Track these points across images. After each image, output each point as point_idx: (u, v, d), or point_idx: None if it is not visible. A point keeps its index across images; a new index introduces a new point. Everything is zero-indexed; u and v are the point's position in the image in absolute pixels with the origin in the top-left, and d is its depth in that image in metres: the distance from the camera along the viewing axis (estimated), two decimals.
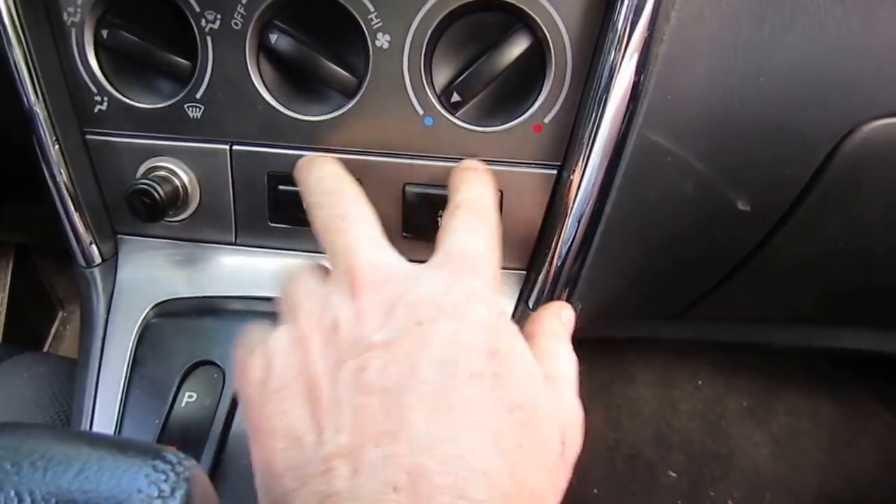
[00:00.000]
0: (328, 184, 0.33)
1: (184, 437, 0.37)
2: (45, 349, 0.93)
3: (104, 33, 0.38)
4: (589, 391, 0.91)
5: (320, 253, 0.42)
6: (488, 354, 0.27)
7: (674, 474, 0.88)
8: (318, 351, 0.27)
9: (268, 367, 0.28)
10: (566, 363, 0.32)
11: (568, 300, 0.40)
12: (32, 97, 0.38)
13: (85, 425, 0.39)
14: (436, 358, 0.26)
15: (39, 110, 0.38)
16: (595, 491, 0.85)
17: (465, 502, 0.23)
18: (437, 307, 0.27)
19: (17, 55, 0.37)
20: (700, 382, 0.93)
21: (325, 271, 0.32)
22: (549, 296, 0.39)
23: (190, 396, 0.38)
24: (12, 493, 0.17)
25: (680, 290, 0.53)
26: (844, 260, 0.47)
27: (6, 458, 0.17)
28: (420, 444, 0.24)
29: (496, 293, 0.30)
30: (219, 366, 0.39)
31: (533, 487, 0.26)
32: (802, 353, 0.91)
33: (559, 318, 0.35)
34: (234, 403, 0.38)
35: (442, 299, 0.28)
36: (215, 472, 0.36)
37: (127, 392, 0.39)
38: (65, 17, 0.38)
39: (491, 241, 0.31)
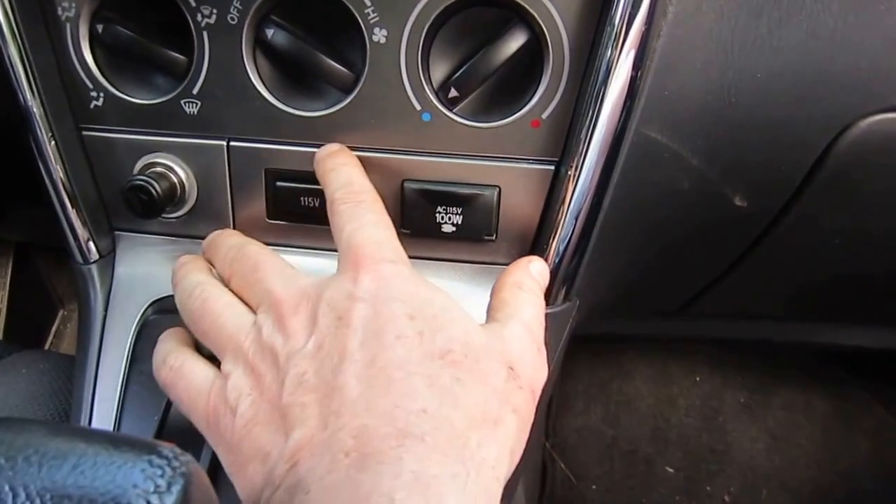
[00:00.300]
0: (231, 252, 0.36)
1: (182, 433, 0.37)
2: (46, 347, 0.93)
3: (99, 28, 0.38)
4: (587, 388, 0.91)
5: (318, 249, 0.42)
6: (408, 317, 0.29)
7: (671, 470, 0.88)
8: (267, 380, 0.30)
9: (233, 413, 0.30)
10: (517, 306, 0.34)
11: (566, 297, 0.40)
12: (28, 93, 0.38)
13: (84, 421, 0.39)
14: (360, 338, 0.29)
15: (35, 107, 0.38)
16: (593, 487, 0.86)
17: (410, 440, 0.25)
18: (350, 299, 0.30)
19: (12, 51, 0.36)
20: (697, 379, 0.94)
21: (211, 269, 0.36)
22: (546, 291, 0.39)
23: None
24: (7, 487, 0.17)
25: (677, 286, 0.54)
26: (840, 256, 0.47)
27: (0, 454, 0.17)
28: (359, 409, 0.27)
29: (400, 267, 0.32)
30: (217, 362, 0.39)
31: (484, 411, 0.28)
32: (798, 349, 0.91)
33: (526, 271, 0.36)
34: None
35: (353, 291, 0.30)
36: (215, 469, 0.36)
37: (125, 388, 0.39)
38: (59, 11, 0.38)
39: (376, 218, 0.34)
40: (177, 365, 0.34)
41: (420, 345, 0.28)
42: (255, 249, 0.36)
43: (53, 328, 0.95)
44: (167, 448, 0.19)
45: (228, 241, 0.37)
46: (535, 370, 0.32)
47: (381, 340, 0.28)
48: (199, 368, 0.33)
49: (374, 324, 0.29)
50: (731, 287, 0.51)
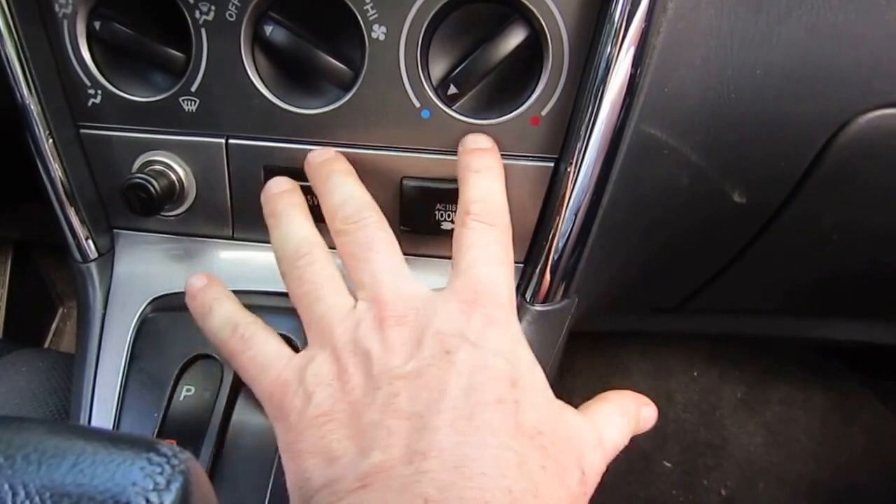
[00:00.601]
0: (351, 210, 0.34)
1: (182, 430, 0.37)
2: (46, 345, 0.93)
3: (97, 25, 0.37)
4: (585, 383, 0.92)
5: None
6: (510, 382, 0.28)
7: (668, 464, 0.89)
8: (354, 381, 0.29)
9: (307, 397, 0.29)
10: (615, 429, 0.33)
11: (565, 293, 0.40)
12: (25, 91, 0.37)
13: (83, 419, 0.39)
14: (463, 385, 0.28)
15: (32, 104, 0.38)
16: None
17: None
18: (461, 337, 0.29)
19: (9, 48, 0.36)
20: (695, 374, 0.94)
21: (332, 260, 0.34)
22: (546, 288, 0.39)
23: (188, 390, 0.38)
24: (6, 486, 0.17)
25: (676, 282, 0.54)
26: (840, 251, 0.47)
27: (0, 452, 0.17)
28: (449, 462, 0.26)
29: (512, 317, 0.31)
30: (216, 359, 0.39)
31: None
32: (795, 344, 0.92)
33: (637, 407, 0.35)
34: (232, 397, 0.38)
35: (465, 329, 0.29)
36: (215, 465, 0.37)
37: (125, 386, 0.39)
38: (56, 8, 0.37)
39: (505, 257, 0.33)
40: (247, 335, 0.33)
41: (515, 415, 0.28)
42: (375, 219, 0.34)
43: (53, 326, 0.95)
44: (166, 446, 0.19)
45: (346, 187, 0.35)
46: (598, 471, 0.31)
47: (481, 397, 0.28)
48: (272, 344, 0.32)
49: (478, 375, 0.28)
50: (730, 282, 0.51)
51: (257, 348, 0.32)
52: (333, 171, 0.36)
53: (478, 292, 0.31)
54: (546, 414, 0.29)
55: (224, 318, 0.34)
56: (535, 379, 0.30)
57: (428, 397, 0.27)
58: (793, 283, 0.54)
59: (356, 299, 0.32)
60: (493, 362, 0.29)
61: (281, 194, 0.36)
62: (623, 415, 0.34)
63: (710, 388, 0.93)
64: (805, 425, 0.90)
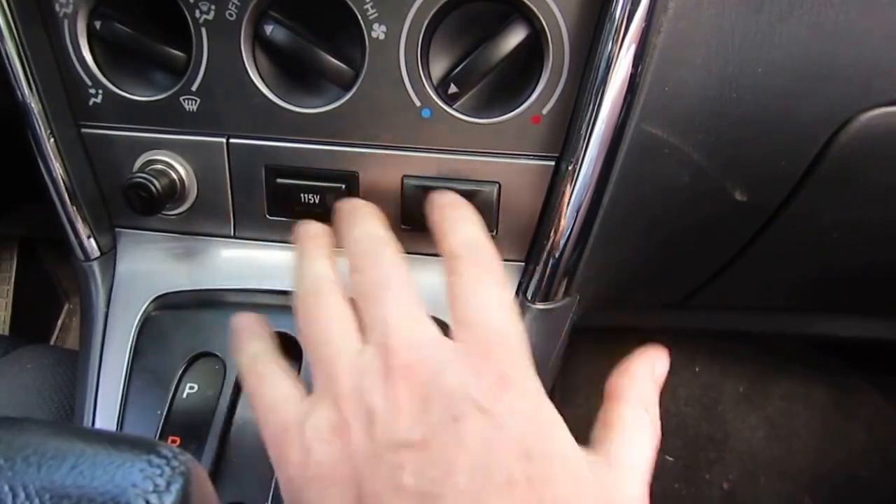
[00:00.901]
0: (366, 246, 0.32)
1: (186, 428, 0.38)
2: (52, 341, 0.94)
3: (97, 24, 0.37)
4: (587, 380, 0.92)
5: None
6: (524, 454, 0.26)
7: (670, 458, 0.89)
8: (356, 441, 0.27)
9: (306, 452, 0.28)
10: (641, 446, 0.30)
11: (566, 292, 0.40)
12: (26, 90, 0.37)
13: (88, 417, 0.40)
14: (471, 463, 0.26)
15: (34, 104, 0.38)
16: None
17: None
18: (470, 401, 0.27)
19: (10, 48, 0.36)
20: (697, 369, 0.94)
21: (346, 302, 0.32)
22: (547, 287, 0.39)
23: (191, 388, 0.39)
24: (6, 487, 0.17)
25: (678, 280, 0.54)
26: (841, 248, 0.47)
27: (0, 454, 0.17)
28: None
29: (529, 371, 0.29)
30: (219, 357, 0.39)
31: None
32: (796, 340, 0.91)
33: (651, 372, 0.32)
34: (235, 395, 0.38)
35: (475, 392, 0.27)
36: (218, 463, 0.37)
37: (128, 384, 0.40)
38: (57, 8, 0.37)
39: (509, 298, 0.31)
40: (263, 371, 0.32)
41: (527, 498, 0.25)
42: (389, 257, 0.32)
43: (59, 321, 0.95)
44: (166, 447, 0.19)
45: (365, 226, 0.34)
46: None
47: (490, 478, 0.25)
48: (282, 385, 0.31)
49: (488, 450, 0.26)
50: (731, 280, 0.51)
51: (268, 388, 0.31)
52: (356, 209, 0.35)
53: (489, 344, 0.28)
54: (568, 488, 0.26)
55: (252, 350, 0.34)
56: (555, 443, 0.27)
57: (434, 474, 0.26)
58: (794, 281, 0.54)
59: (366, 342, 0.30)
60: (505, 433, 0.26)
61: (308, 238, 0.35)
62: (645, 409, 0.31)
63: (712, 384, 0.93)
64: (806, 420, 0.91)
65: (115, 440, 0.18)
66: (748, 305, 0.64)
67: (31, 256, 0.90)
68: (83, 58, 0.38)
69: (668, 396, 0.92)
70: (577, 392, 0.90)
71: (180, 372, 0.39)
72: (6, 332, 0.86)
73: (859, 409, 0.90)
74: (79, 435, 0.19)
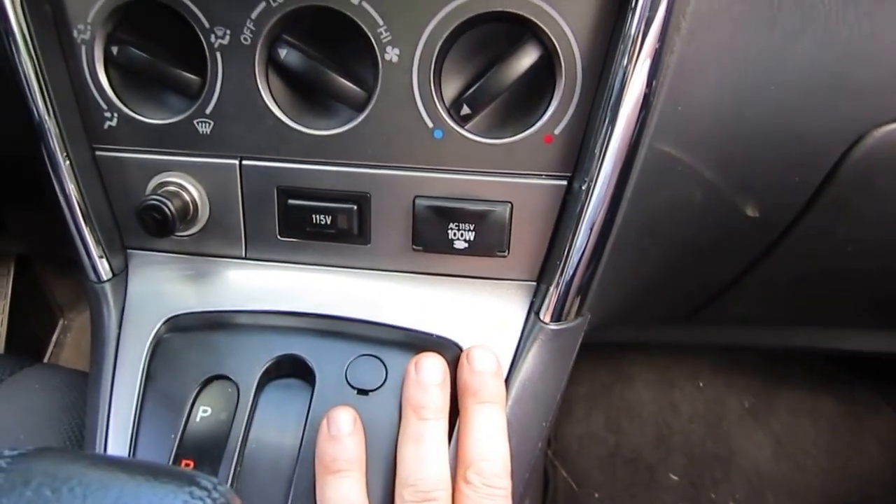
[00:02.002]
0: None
1: (199, 452, 0.37)
2: (47, 357, 0.93)
3: (114, 50, 0.38)
4: (589, 393, 0.91)
5: (329, 265, 0.42)
6: None
7: (675, 477, 0.88)
8: None
9: None
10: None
11: (579, 310, 0.40)
12: (43, 113, 0.38)
13: (99, 440, 0.39)
14: None
15: (50, 126, 0.38)
16: (596, 495, 0.85)
17: None
18: None
19: (29, 72, 0.37)
20: (700, 384, 0.93)
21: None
22: (559, 306, 0.39)
23: (205, 411, 0.38)
24: None
25: (688, 296, 0.54)
26: (853, 263, 0.47)
27: (45, 485, 0.17)
28: None
29: None
30: (232, 380, 0.39)
31: None
32: (804, 353, 0.91)
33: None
34: (249, 418, 0.38)
35: None
36: (233, 487, 0.36)
37: (141, 407, 0.39)
38: (75, 34, 0.38)
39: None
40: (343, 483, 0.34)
41: None
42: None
43: (54, 337, 0.95)
44: (206, 479, 0.19)
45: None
46: None
47: None
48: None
49: None
50: (741, 294, 0.51)
51: (333, 496, 0.33)
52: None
53: None
54: None
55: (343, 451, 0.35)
56: None
57: None
58: (806, 296, 0.54)
59: None
60: None
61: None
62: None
63: (716, 398, 0.93)
64: (815, 435, 0.89)
65: (155, 471, 0.18)
66: (757, 319, 0.63)
67: (27, 273, 0.90)
68: (100, 82, 0.39)
69: (672, 413, 0.91)
70: (577, 405, 0.89)
71: (194, 395, 0.39)
72: (1, 348, 0.85)
73: (870, 422, 0.89)
74: (118, 466, 0.19)
